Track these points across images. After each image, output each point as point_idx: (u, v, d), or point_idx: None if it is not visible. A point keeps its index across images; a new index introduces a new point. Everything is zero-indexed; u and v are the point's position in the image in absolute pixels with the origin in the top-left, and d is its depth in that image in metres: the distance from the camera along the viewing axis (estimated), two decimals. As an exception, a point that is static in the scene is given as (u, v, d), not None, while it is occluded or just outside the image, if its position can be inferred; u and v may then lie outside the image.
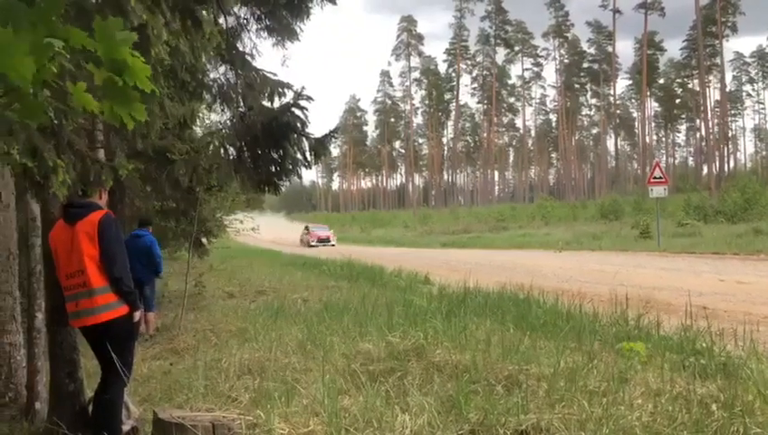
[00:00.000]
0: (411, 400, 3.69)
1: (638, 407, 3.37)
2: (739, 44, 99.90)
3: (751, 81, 75.06)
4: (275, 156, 6.70)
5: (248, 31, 7.41)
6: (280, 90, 6.84)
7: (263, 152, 6.70)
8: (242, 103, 6.87)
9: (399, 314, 6.51)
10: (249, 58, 7.05)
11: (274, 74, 7.15)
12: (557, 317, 6.13)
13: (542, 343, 4.97)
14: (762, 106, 76.17)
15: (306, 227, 40.99)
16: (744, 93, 75.85)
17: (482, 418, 3.36)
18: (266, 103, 6.89)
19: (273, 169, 6.76)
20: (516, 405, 3.39)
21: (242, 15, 7.34)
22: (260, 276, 14.39)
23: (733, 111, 73.94)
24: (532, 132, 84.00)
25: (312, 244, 36.09)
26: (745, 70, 74.77)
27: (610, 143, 79.52)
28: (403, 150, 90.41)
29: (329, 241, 37.46)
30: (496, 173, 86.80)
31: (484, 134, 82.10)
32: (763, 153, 78.41)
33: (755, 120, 77.84)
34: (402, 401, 3.71)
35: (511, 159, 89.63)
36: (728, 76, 68.90)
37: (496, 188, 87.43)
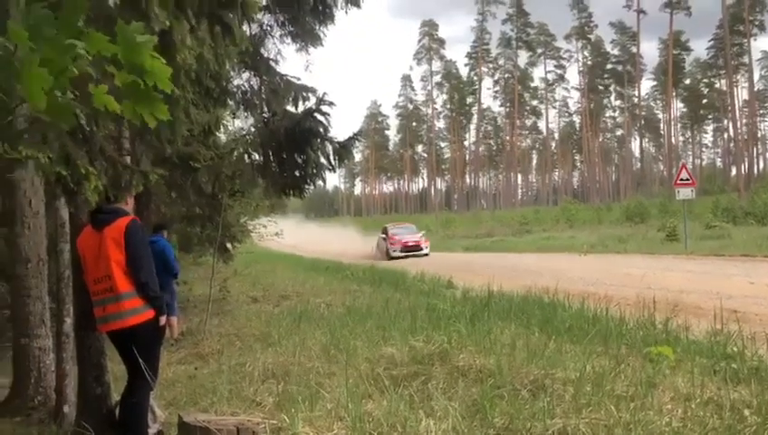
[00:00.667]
0: (435, 404, 3.66)
1: (667, 412, 3.30)
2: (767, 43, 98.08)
3: (780, 79, 73.35)
4: (300, 160, 6.76)
5: (272, 37, 7.52)
6: (303, 94, 6.91)
7: (287, 157, 6.77)
8: (266, 109, 6.96)
9: (423, 318, 6.50)
10: (273, 64, 7.15)
11: (298, 79, 7.24)
12: (583, 321, 6.04)
13: (568, 347, 4.91)
14: (792, 105, 74.37)
15: (384, 230, 28.66)
16: (773, 92, 74.15)
17: (507, 422, 3.32)
18: (290, 108, 6.97)
19: (298, 174, 6.82)
20: (542, 410, 3.34)
21: (265, 22, 7.44)
22: (283, 281, 14.47)
23: (761, 111, 72.26)
24: (556, 135, 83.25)
25: (395, 254, 25.01)
26: (774, 68, 73.11)
27: (635, 145, 78.46)
28: (425, 154, 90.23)
29: (419, 249, 25.68)
30: (519, 176, 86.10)
31: (507, 137, 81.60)
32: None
33: (786, 119, 76.04)
34: (426, 406, 3.69)
35: (534, 161, 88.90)
36: (756, 75, 67.43)
37: (519, 191, 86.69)
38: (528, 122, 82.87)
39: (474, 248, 31.38)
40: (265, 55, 7.31)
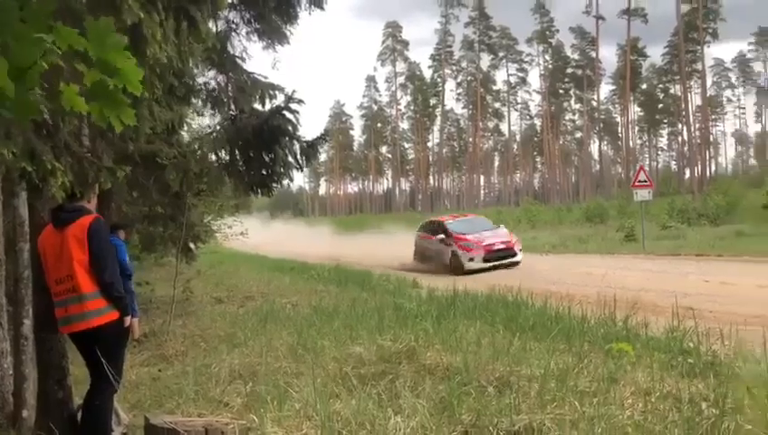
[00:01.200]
0: (403, 402, 3.70)
1: (628, 406, 3.41)
2: (720, 51, 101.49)
3: (731, 86, 76.24)
4: (267, 159, 6.72)
5: (238, 34, 7.45)
6: (271, 92, 6.88)
7: (254, 155, 6.72)
8: (233, 107, 6.89)
9: (390, 317, 6.54)
10: (239, 61, 7.08)
11: (265, 77, 7.20)
12: (546, 319, 6.18)
13: (532, 345, 5.02)
14: (742, 111, 77.42)
15: (436, 228, 18.01)
16: (724, 99, 77.01)
17: (474, 419, 3.39)
18: (257, 106, 6.92)
19: (265, 172, 6.78)
20: (508, 406, 3.42)
21: (231, 19, 7.37)
22: (248, 281, 14.32)
23: (714, 116, 74.92)
24: (518, 137, 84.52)
25: (474, 264, 15.68)
26: (725, 76, 75.92)
27: (594, 147, 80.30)
28: (390, 155, 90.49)
29: (513, 255, 16.07)
30: (482, 177, 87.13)
31: (470, 139, 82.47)
32: (744, 157, 79.65)
33: (736, 124, 79.10)
34: (394, 404, 3.72)
35: (496, 163, 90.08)
36: (709, 81, 69.89)
37: (482, 192, 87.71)
38: (490, 124, 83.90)
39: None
40: (231, 52, 7.25)
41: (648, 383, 3.77)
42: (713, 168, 72.19)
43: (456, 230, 17.01)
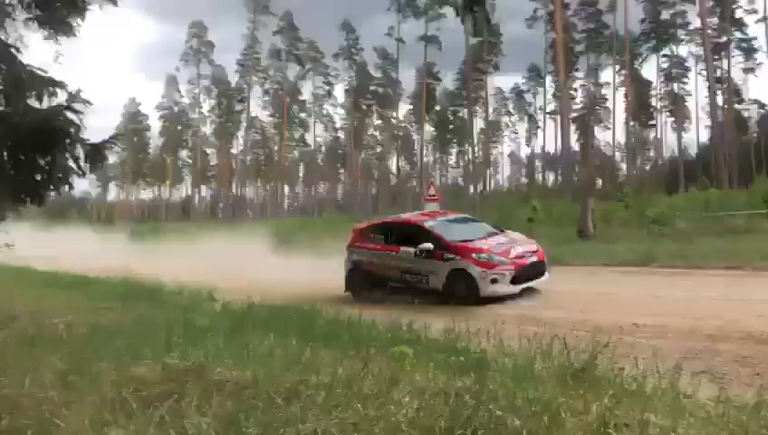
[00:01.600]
0: (188, 422, 3.57)
1: (406, 405, 3.68)
2: (500, 81, 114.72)
3: (508, 113, 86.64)
4: (42, 163, 5.96)
5: (14, 20, 6.54)
6: (51, 89, 6.14)
7: (27, 158, 5.92)
8: (3, 102, 6.01)
9: (179, 334, 6.22)
10: (14, 51, 6.21)
11: (45, 72, 6.42)
12: (339, 327, 6.41)
13: (324, 353, 5.16)
14: (516, 135, 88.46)
15: (413, 230, 11.14)
16: (503, 124, 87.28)
17: (261, 432, 3.39)
18: (34, 103, 6.12)
19: (39, 178, 6.01)
20: (295, 415, 3.48)
21: (6, 1, 6.45)
22: (12, 299, 12.46)
23: (494, 139, 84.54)
24: (323, 148, 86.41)
25: (497, 288, 9.83)
26: (504, 103, 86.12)
27: (392, 162, 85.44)
28: (190, 160, 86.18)
29: (543, 272, 10.52)
30: (286, 187, 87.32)
31: (275, 148, 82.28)
32: (517, 176, 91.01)
33: (511, 147, 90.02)
34: (178, 425, 3.57)
35: (301, 173, 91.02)
36: (490, 108, 78.79)
37: (286, 202, 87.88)
38: (296, 135, 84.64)
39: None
40: (4, 39, 6.31)
41: (424, 382, 4.11)
42: (492, 185, 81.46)
43: (451, 236, 10.72)
